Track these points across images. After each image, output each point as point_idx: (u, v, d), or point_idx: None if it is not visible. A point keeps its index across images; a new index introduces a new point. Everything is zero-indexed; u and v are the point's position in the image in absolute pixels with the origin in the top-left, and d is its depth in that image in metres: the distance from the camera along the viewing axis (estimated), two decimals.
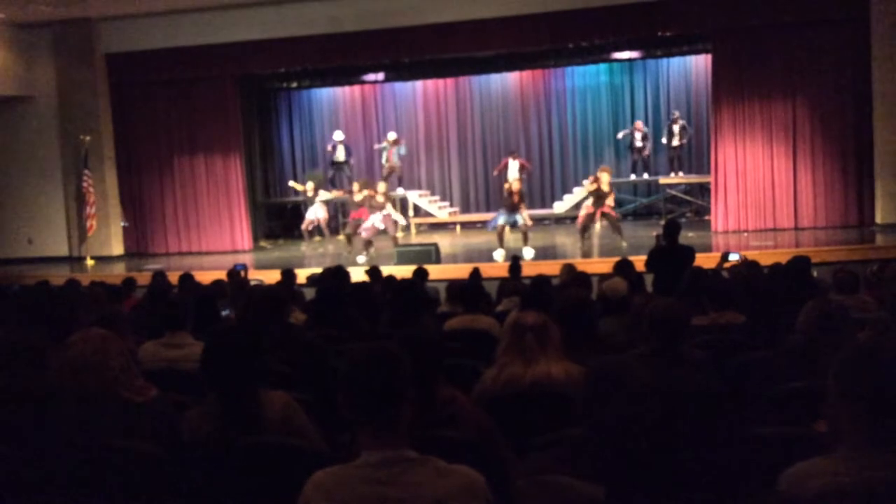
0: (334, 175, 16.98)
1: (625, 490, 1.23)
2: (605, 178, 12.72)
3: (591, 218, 12.86)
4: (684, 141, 16.45)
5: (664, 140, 16.56)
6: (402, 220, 13.40)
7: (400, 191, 16.73)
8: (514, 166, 15.96)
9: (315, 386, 3.56)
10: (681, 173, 16.52)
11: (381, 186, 13.38)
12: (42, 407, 2.59)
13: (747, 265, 7.07)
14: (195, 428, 2.71)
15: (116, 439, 2.56)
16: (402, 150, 16.71)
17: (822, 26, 13.17)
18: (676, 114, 16.56)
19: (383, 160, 16.78)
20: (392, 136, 16.78)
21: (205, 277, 8.95)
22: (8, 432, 2.57)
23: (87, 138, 15.13)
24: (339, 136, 17.13)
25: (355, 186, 13.74)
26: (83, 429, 2.54)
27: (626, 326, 4.37)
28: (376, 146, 17.27)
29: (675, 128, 16.36)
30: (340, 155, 17.03)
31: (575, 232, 13.39)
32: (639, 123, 16.78)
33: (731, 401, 3.01)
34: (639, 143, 16.62)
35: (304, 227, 15.29)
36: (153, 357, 4.03)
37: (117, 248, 15.79)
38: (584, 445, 2.01)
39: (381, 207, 12.96)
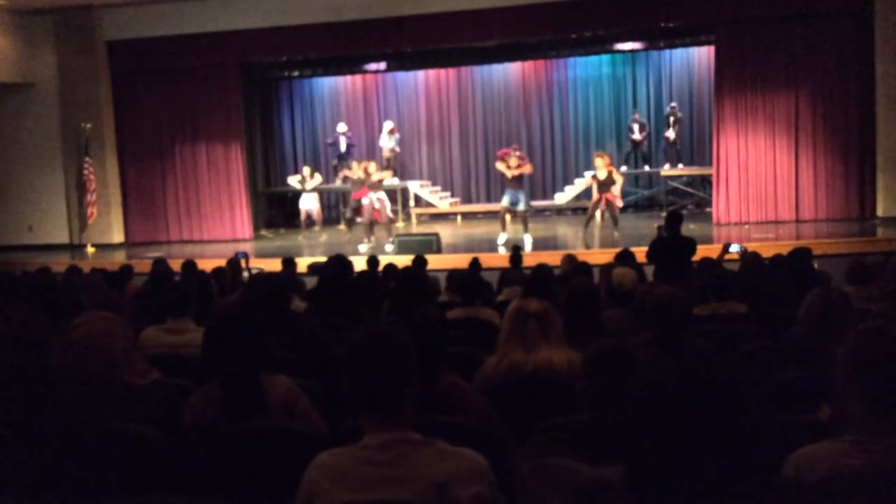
0: (338, 166, 16.95)
1: (633, 474, 1.23)
2: (598, 163, 12.72)
3: (595, 206, 12.85)
4: (678, 133, 16.45)
5: (667, 133, 16.52)
6: (388, 211, 13.34)
7: (395, 181, 16.68)
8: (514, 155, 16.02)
9: (316, 372, 3.56)
10: (680, 165, 16.51)
11: (372, 166, 13.40)
12: (45, 389, 2.60)
13: (749, 256, 7.06)
14: (198, 412, 2.71)
15: (119, 422, 2.56)
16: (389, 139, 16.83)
17: (825, 19, 13.15)
18: (675, 105, 16.54)
19: (385, 148, 16.85)
20: (389, 125, 16.84)
21: (205, 265, 8.95)
22: (11, 414, 2.57)
23: (88, 126, 15.11)
24: (342, 128, 17.18)
25: (354, 165, 13.79)
26: (86, 410, 2.55)
27: (631, 317, 4.36)
28: (389, 142, 17.21)
29: (671, 120, 16.35)
30: (343, 146, 17.09)
31: (576, 223, 13.40)
32: (636, 115, 16.75)
33: (732, 389, 3.01)
34: (636, 136, 16.59)
35: (302, 217, 15.28)
36: (155, 342, 4.03)
37: (118, 236, 15.80)
38: (587, 429, 2.01)
39: (376, 187, 13.01)
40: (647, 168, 16.83)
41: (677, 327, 3.40)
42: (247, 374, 2.72)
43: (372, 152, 18.02)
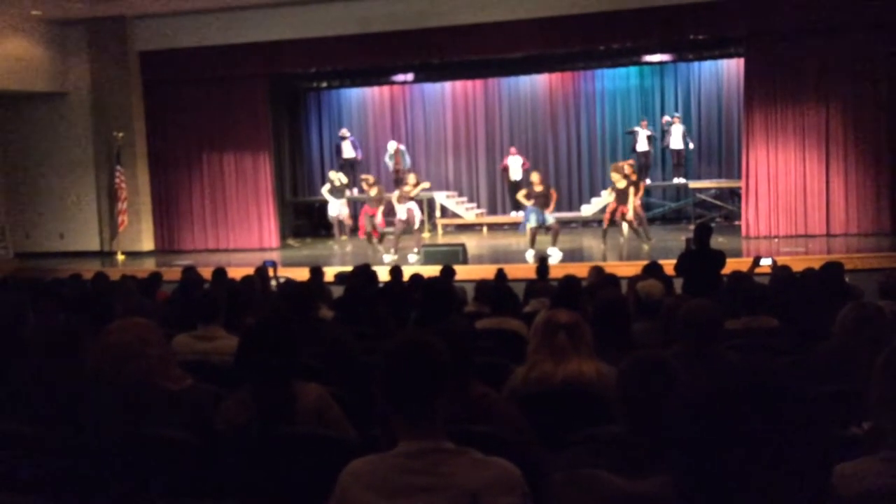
0: (346, 174, 16.97)
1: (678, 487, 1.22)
2: (614, 177, 12.74)
3: (611, 216, 12.83)
4: (690, 146, 16.41)
5: (671, 145, 16.48)
6: (417, 217, 13.34)
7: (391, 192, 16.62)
8: (515, 163, 16.20)
9: (343, 381, 3.57)
10: (681, 179, 16.43)
11: (411, 178, 13.42)
12: (80, 393, 2.62)
13: (780, 270, 6.99)
14: (230, 417, 2.73)
15: (152, 426, 2.58)
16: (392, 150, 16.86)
17: (856, 31, 12.99)
18: (676, 116, 16.48)
19: (390, 167, 16.88)
20: (392, 145, 16.91)
21: (233, 274, 9.00)
22: (48, 418, 2.60)
23: (120, 135, 15.31)
24: (344, 132, 17.25)
25: (369, 180, 13.80)
26: (120, 415, 2.57)
27: (659, 330, 4.33)
28: (387, 160, 17.26)
29: (675, 130, 16.29)
30: (348, 152, 17.07)
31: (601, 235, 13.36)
32: (644, 124, 16.68)
33: (765, 402, 2.97)
34: (645, 147, 16.48)
35: (334, 224, 15.30)
36: (186, 349, 4.06)
37: (147, 244, 15.98)
38: (621, 440, 2.00)
39: (408, 199, 13.02)
40: (649, 181, 16.76)
41: (709, 340, 3.37)
42: (278, 381, 2.73)
43: (380, 159, 18.00)
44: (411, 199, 13.11)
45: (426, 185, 13.74)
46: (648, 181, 16.47)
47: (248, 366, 2.76)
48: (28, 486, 2.32)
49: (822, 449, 1.24)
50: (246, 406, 2.71)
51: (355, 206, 16.10)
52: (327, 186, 15.20)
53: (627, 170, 13.07)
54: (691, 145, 16.54)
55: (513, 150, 16.99)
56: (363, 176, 14.40)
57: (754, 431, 1.18)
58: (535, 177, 12.48)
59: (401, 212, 13.05)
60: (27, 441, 2.55)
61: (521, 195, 12.69)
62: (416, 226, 13.23)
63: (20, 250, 16.04)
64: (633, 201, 13.02)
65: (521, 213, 16.44)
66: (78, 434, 2.55)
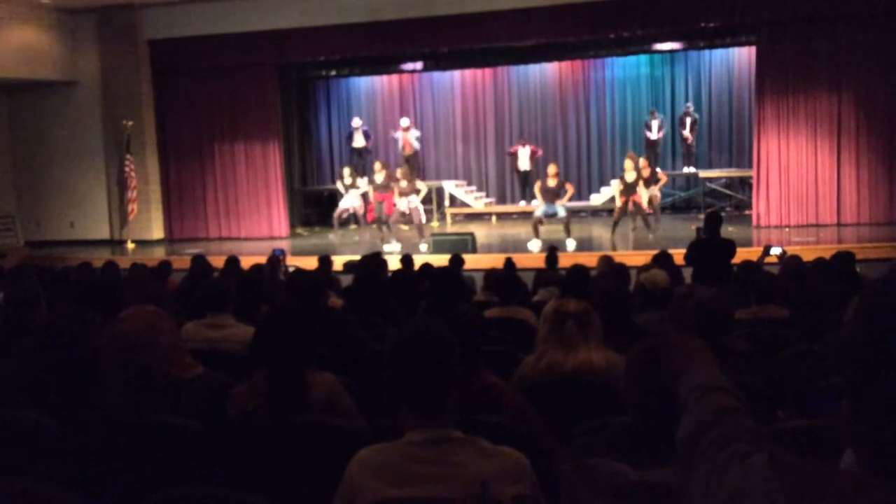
0: (356, 163, 16.96)
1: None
2: (627, 165, 12.73)
3: (622, 209, 12.83)
4: (693, 135, 16.38)
5: (683, 134, 16.46)
6: (422, 215, 13.31)
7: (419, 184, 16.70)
8: (524, 154, 16.19)
9: (352, 370, 3.57)
10: (691, 168, 16.38)
11: (399, 172, 13.42)
12: (92, 382, 2.64)
13: (790, 260, 6.95)
14: (241, 404, 2.74)
15: (163, 414, 2.59)
16: (415, 134, 16.91)
17: (868, 20, 12.91)
18: (690, 106, 16.43)
19: (399, 148, 16.90)
20: (405, 122, 16.87)
21: (243, 263, 9.02)
22: (60, 406, 2.62)
23: (130, 123, 15.34)
24: (356, 122, 17.28)
25: (376, 166, 13.80)
26: (131, 404, 2.58)
27: (667, 320, 4.31)
28: (392, 134, 17.30)
29: (688, 121, 16.24)
30: (359, 142, 17.12)
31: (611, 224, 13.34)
32: (655, 113, 16.61)
33: (772, 393, 2.98)
34: (654, 136, 16.42)
35: (336, 214, 15.23)
36: (195, 337, 4.07)
37: (157, 233, 16.03)
38: (630, 431, 1.99)
39: (408, 193, 13.00)
40: (658, 170, 16.69)
41: (719, 331, 3.35)
42: (292, 370, 2.73)
43: (386, 148, 17.99)
44: (407, 193, 13.12)
45: (422, 186, 13.61)
46: (659, 170, 16.40)
47: (263, 353, 2.76)
48: (38, 475, 2.33)
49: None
50: (257, 393, 2.72)
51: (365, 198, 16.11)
52: (341, 182, 15.13)
53: (642, 164, 13.04)
54: (687, 134, 16.50)
55: (522, 143, 16.91)
56: (378, 162, 14.45)
57: None
58: (551, 169, 12.44)
59: (401, 204, 13.03)
60: (38, 430, 2.56)
61: (536, 187, 12.65)
62: (422, 221, 13.24)
63: (30, 238, 16.13)
64: (652, 190, 13.07)
65: (532, 203, 16.48)
66: (88, 423, 2.57)
